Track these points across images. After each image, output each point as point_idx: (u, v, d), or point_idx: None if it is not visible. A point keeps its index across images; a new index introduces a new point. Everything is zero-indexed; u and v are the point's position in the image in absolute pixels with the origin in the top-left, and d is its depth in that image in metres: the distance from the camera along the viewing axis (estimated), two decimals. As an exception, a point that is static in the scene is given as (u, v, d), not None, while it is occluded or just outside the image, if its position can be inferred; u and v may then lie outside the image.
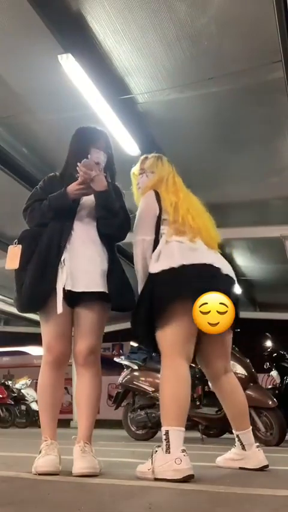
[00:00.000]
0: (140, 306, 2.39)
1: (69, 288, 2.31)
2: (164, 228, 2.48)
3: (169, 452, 2.05)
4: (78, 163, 2.34)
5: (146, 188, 2.64)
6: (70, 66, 4.20)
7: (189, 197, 2.68)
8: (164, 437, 2.10)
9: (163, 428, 2.13)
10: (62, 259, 2.34)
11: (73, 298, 2.35)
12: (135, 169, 2.81)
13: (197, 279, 2.31)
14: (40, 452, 2.21)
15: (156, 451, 2.11)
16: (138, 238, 2.50)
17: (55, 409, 2.34)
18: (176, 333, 2.28)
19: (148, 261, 2.45)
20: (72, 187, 2.37)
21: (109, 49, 4.32)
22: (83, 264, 2.36)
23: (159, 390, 2.26)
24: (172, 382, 2.22)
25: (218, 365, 2.52)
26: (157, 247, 2.44)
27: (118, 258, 2.55)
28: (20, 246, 2.41)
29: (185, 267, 2.32)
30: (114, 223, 2.42)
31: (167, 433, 2.09)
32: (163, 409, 2.20)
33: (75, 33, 4.11)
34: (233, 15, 3.95)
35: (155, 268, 2.39)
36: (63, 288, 2.30)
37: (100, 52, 4.33)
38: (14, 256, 2.40)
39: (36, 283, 2.31)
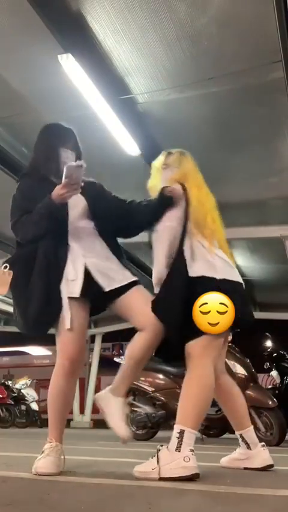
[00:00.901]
0: (176, 307, 2.28)
1: (109, 288, 2.29)
2: (188, 224, 2.46)
3: (179, 451, 2.06)
4: (66, 166, 2.21)
5: (171, 180, 2.61)
6: (70, 66, 4.20)
7: (210, 196, 2.70)
8: (177, 435, 2.09)
9: (178, 427, 2.11)
10: (82, 268, 2.28)
11: (105, 298, 2.33)
12: (158, 163, 2.76)
13: (235, 295, 2.34)
14: (42, 452, 2.20)
15: (160, 449, 2.11)
16: (167, 224, 2.45)
17: (66, 413, 2.34)
18: (210, 339, 2.29)
19: (170, 251, 2.40)
20: (57, 192, 2.25)
21: (109, 49, 4.32)
22: (102, 263, 2.34)
23: (183, 389, 2.23)
24: (199, 383, 2.22)
25: (217, 366, 2.51)
26: (186, 244, 2.39)
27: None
28: (10, 272, 2.32)
29: (225, 282, 2.35)
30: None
31: (182, 432, 2.08)
32: (183, 408, 2.17)
33: (75, 33, 4.11)
34: (233, 15, 3.95)
35: (194, 271, 2.35)
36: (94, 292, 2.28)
37: (100, 52, 4.33)
38: (3, 282, 2.31)
39: (43, 307, 2.24)
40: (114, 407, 2.25)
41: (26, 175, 2.59)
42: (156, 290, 2.38)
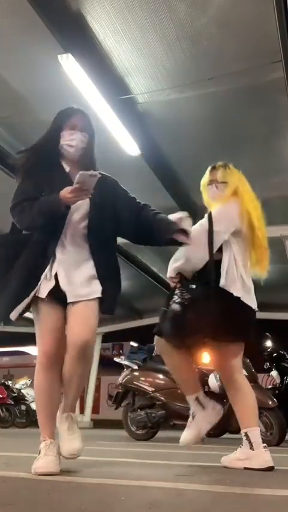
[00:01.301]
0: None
1: (71, 300, 2.26)
2: (236, 241, 2.68)
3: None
4: (80, 173, 2.15)
5: (226, 197, 2.75)
6: (70, 66, 4.20)
7: (257, 203, 2.85)
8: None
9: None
10: (52, 272, 2.27)
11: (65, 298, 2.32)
12: (205, 180, 2.86)
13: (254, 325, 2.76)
14: (39, 452, 2.20)
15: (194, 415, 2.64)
16: (217, 230, 2.62)
17: (53, 409, 2.32)
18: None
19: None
20: (65, 195, 2.19)
21: (109, 49, 4.32)
22: (76, 275, 2.30)
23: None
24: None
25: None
26: (231, 263, 2.62)
27: (116, 258, 2.51)
28: None
29: (238, 300, 2.61)
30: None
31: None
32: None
33: (75, 33, 4.11)
34: (233, 15, 3.95)
35: (237, 291, 2.60)
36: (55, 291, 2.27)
37: (100, 52, 4.33)
38: None
39: (20, 295, 2.25)
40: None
41: (26, 152, 2.50)
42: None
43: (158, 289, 9.21)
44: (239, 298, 2.60)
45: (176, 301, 2.59)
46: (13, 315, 2.29)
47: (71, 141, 2.38)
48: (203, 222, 2.69)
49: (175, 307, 2.58)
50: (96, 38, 4.19)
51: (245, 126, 5.44)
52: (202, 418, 2.72)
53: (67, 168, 2.42)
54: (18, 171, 2.46)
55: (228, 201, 2.74)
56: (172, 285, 2.72)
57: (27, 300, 2.25)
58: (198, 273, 2.67)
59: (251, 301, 2.69)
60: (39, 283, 2.25)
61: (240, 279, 2.63)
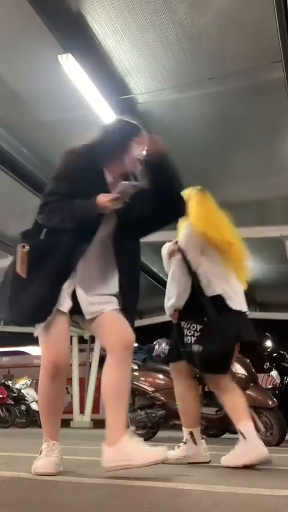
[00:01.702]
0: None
1: (88, 317, 2.22)
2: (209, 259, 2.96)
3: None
4: (125, 184, 2.14)
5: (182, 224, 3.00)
6: (70, 66, 4.20)
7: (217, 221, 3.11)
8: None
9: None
10: (73, 285, 2.20)
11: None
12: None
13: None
14: (40, 452, 2.20)
15: (185, 443, 2.77)
16: (189, 258, 2.92)
17: (57, 414, 2.30)
18: None
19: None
20: (102, 202, 2.13)
21: (109, 49, 4.32)
22: (96, 287, 2.24)
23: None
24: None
25: None
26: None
27: (138, 270, 2.45)
28: (27, 252, 2.17)
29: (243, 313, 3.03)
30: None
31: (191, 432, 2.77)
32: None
33: (75, 33, 4.11)
34: (233, 16, 3.95)
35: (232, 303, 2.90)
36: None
37: (100, 52, 4.33)
38: (23, 260, 2.16)
39: (39, 305, 2.14)
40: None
41: (76, 152, 2.35)
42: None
43: (158, 289, 9.20)
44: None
45: (192, 340, 2.79)
46: (36, 331, 2.22)
47: (140, 156, 2.30)
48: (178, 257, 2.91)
49: (195, 348, 2.76)
50: (96, 38, 4.19)
51: (245, 126, 5.44)
52: (192, 452, 2.83)
53: (109, 178, 2.33)
54: (61, 168, 2.31)
55: (184, 226, 2.93)
56: (174, 321, 2.92)
57: (50, 317, 2.14)
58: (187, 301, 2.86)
59: (240, 305, 2.90)
60: (61, 295, 2.16)
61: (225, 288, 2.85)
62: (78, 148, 2.35)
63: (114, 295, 2.27)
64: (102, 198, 2.14)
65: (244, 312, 2.92)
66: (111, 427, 2.11)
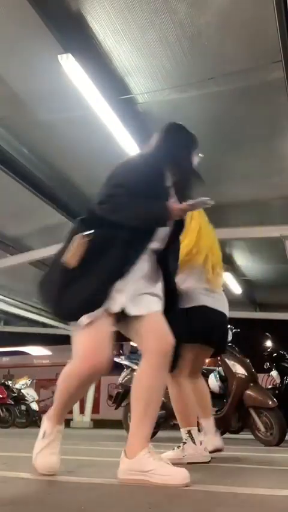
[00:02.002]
0: None
1: (133, 313, 2.08)
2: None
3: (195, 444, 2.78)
4: (201, 199, 2.09)
5: None
6: (70, 66, 4.20)
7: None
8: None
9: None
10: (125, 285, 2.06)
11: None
12: None
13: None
14: (44, 435, 2.15)
15: (185, 443, 2.80)
16: None
17: (71, 402, 2.23)
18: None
19: None
20: (175, 210, 2.08)
21: (109, 49, 4.32)
22: (144, 287, 2.14)
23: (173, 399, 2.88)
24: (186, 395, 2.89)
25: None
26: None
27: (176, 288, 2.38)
28: (86, 242, 2.04)
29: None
30: None
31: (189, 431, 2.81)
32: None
33: (75, 33, 4.11)
34: (233, 16, 3.95)
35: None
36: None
37: (100, 52, 4.33)
38: (78, 251, 2.03)
39: (91, 298, 2.01)
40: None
41: (140, 154, 2.36)
42: None
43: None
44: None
45: None
46: (84, 319, 2.00)
47: (195, 162, 2.37)
48: None
49: None
50: (96, 38, 4.19)
51: (245, 126, 5.44)
52: (192, 451, 2.81)
53: (168, 182, 2.28)
54: (125, 167, 2.26)
55: None
56: None
57: (99, 311, 2.00)
58: None
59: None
60: (112, 294, 2.03)
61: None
62: (139, 154, 2.40)
63: (160, 297, 2.18)
64: (175, 205, 2.09)
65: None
66: (132, 437, 2.02)
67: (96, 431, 9.70)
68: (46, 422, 2.18)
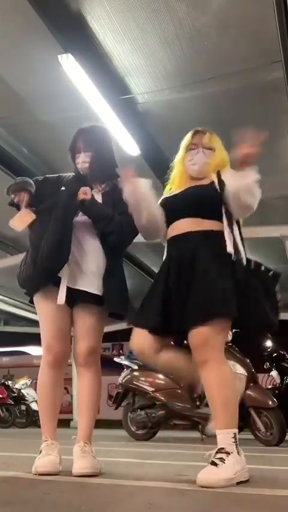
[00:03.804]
0: None
1: (69, 285, 2.30)
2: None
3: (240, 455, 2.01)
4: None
5: (212, 166, 2.50)
6: (70, 66, 4.20)
7: None
8: (233, 439, 1.98)
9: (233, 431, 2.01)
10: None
11: (71, 297, 2.34)
12: (185, 144, 2.64)
13: None
14: (40, 452, 2.20)
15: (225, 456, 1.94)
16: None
17: (55, 408, 2.34)
18: None
19: None
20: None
21: (109, 49, 4.32)
22: (83, 262, 2.35)
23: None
24: (227, 385, 2.07)
25: None
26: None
27: (120, 267, 2.51)
28: (33, 216, 2.37)
29: None
30: (107, 229, 2.38)
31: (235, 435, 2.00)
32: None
33: (75, 33, 4.10)
34: (233, 15, 3.95)
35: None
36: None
37: (100, 52, 4.33)
38: (24, 220, 2.38)
39: (54, 254, 2.27)
40: None
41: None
42: None
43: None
44: None
45: None
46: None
47: (77, 164, 2.50)
48: None
49: None
50: (96, 38, 4.19)
51: (245, 126, 5.41)
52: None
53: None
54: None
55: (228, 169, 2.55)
56: None
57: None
58: None
59: None
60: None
61: None
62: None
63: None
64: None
65: None
66: None
67: (96, 431, 9.66)
68: (43, 443, 2.26)
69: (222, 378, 2.05)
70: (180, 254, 2.22)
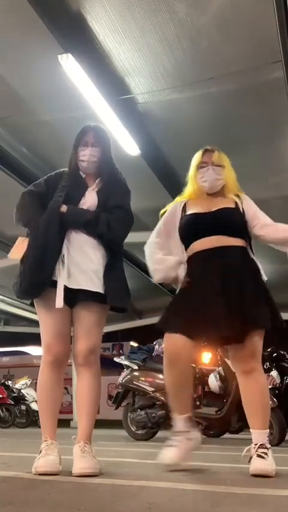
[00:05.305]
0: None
1: (65, 284, 2.31)
2: None
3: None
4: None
5: (228, 185, 2.84)
6: (70, 66, 4.20)
7: None
8: (267, 437, 2.38)
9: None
10: (62, 254, 2.35)
11: (71, 297, 2.34)
12: (196, 163, 2.82)
13: None
14: (40, 452, 2.21)
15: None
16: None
17: (55, 408, 2.34)
18: None
19: None
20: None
21: (109, 49, 4.32)
22: (81, 262, 2.36)
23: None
24: (267, 391, 2.50)
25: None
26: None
27: (119, 262, 2.52)
28: (27, 240, 2.48)
29: None
30: (100, 232, 2.41)
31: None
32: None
33: (75, 33, 4.11)
34: (233, 15, 3.95)
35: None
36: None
37: (100, 52, 4.33)
38: (20, 248, 2.49)
39: (36, 272, 2.32)
40: None
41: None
42: None
43: (158, 289, 9.20)
44: None
45: None
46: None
47: (83, 156, 2.53)
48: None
49: None
50: (96, 38, 4.19)
51: (245, 126, 5.43)
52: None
53: (83, 175, 2.60)
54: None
55: (244, 195, 2.94)
56: None
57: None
58: None
59: None
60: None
61: None
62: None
63: None
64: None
65: None
66: None
67: (96, 431, 9.67)
68: (43, 443, 2.26)
69: (265, 385, 2.48)
70: (224, 264, 2.53)
